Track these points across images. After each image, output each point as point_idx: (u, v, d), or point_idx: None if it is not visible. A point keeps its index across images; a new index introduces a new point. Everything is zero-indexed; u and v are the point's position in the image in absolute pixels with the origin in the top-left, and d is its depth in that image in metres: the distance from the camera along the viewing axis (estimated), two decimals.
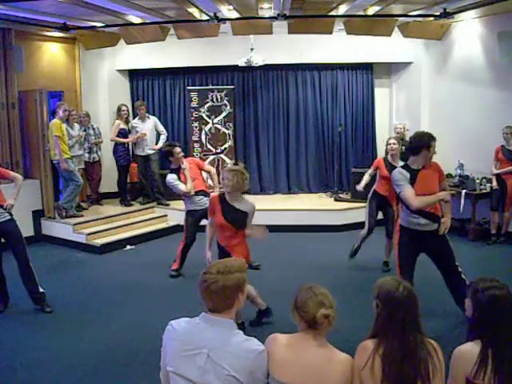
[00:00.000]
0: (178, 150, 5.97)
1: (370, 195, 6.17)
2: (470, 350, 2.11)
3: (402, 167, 4.35)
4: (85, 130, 8.11)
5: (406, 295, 2.13)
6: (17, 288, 5.67)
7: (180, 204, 8.29)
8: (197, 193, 5.95)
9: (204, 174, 6.48)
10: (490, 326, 2.10)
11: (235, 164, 6.15)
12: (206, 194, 5.98)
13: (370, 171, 6.29)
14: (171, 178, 5.90)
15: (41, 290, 5.16)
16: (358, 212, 7.49)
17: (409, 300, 2.13)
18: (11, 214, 5.06)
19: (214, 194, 5.98)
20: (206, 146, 9.08)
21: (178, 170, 5.96)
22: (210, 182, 6.99)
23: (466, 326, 2.30)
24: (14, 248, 5.07)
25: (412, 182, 4.18)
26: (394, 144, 5.93)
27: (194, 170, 6.07)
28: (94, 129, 8.29)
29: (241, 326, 2.11)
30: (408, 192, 4.14)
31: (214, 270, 2.09)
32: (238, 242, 4.32)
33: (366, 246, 6.22)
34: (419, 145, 4.25)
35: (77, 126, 7.96)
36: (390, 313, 2.13)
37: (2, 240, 5.12)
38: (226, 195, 4.29)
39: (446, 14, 6.76)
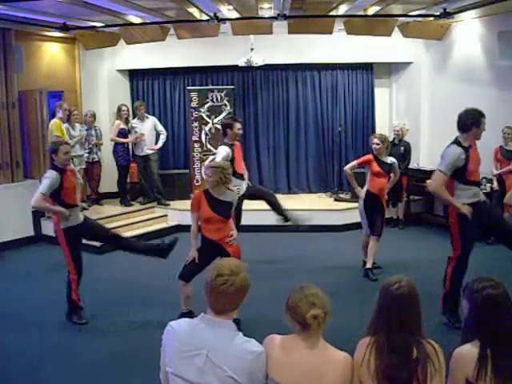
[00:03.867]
0: (238, 125, 5.82)
1: (363, 199, 5.92)
2: (470, 351, 2.11)
3: (458, 145, 4.32)
4: (87, 130, 8.11)
5: (399, 293, 2.12)
6: (17, 288, 5.70)
7: (179, 204, 8.32)
8: (237, 175, 5.83)
9: None
10: (487, 326, 2.11)
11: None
12: (242, 180, 5.99)
13: (352, 164, 5.97)
14: (224, 149, 5.72)
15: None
16: (358, 212, 7.48)
17: (400, 298, 2.12)
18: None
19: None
20: (206, 146, 9.07)
21: (231, 146, 5.83)
22: None
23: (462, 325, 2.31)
24: (99, 236, 5.21)
25: (467, 159, 4.25)
26: (377, 144, 5.78)
27: (239, 154, 6.00)
28: (96, 130, 8.28)
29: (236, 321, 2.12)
30: (439, 176, 4.29)
31: (227, 272, 2.06)
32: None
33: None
34: (469, 122, 4.27)
35: (78, 125, 7.95)
36: (379, 307, 2.17)
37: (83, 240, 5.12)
38: (210, 190, 4.46)
39: (446, 14, 6.76)
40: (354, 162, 6.02)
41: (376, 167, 5.78)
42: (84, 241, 7.17)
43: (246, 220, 7.55)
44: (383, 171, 5.80)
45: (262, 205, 8.54)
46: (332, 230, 7.84)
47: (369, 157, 5.89)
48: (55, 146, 4.76)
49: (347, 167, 6.05)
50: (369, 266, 5.85)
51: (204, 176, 4.47)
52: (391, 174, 5.99)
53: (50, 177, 4.58)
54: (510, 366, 2.06)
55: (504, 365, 2.05)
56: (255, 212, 8.16)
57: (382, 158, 5.83)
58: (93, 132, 8.21)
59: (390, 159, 5.94)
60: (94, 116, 8.28)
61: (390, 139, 8.39)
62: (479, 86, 7.50)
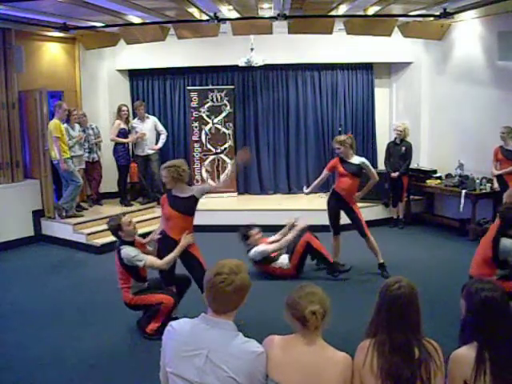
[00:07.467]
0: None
1: (328, 195, 6.32)
2: (467, 353, 2.11)
3: None
4: (84, 131, 8.10)
5: (400, 293, 2.13)
6: (17, 288, 5.69)
7: None
8: None
9: None
10: (485, 328, 2.11)
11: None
12: None
13: (324, 173, 6.24)
14: None
15: None
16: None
17: (402, 298, 2.12)
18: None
19: None
20: (206, 146, 9.08)
21: None
22: None
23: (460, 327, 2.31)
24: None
25: None
26: (338, 149, 5.91)
27: None
28: (92, 128, 8.28)
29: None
30: None
31: (227, 270, 2.07)
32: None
33: (362, 246, 6.20)
34: None
35: (77, 126, 7.95)
36: (379, 307, 2.18)
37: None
38: (173, 190, 4.71)
39: (446, 14, 6.77)
40: (325, 171, 6.23)
41: (340, 169, 5.98)
42: (84, 240, 7.26)
43: (244, 220, 7.54)
44: (347, 172, 5.93)
45: (261, 205, 8.59)
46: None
47: (334, 160, 6.13)
48: (115, 222, 4.52)
49: (322, 176, 6.28)
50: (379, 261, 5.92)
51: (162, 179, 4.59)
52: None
53: (131, 249, 4.45)
54: (508, 368, 2.05)
55: (501, 367, 2.05)
56: (256, 212, 8.18)
57: (348, 159, 5.94)
58: (90, 131, 8.19)
59: (359, 159, 6.00)
60: (85, 115, 8.22)
61: (392, 139, 8.43)
62: (479, 86, 7.50)
